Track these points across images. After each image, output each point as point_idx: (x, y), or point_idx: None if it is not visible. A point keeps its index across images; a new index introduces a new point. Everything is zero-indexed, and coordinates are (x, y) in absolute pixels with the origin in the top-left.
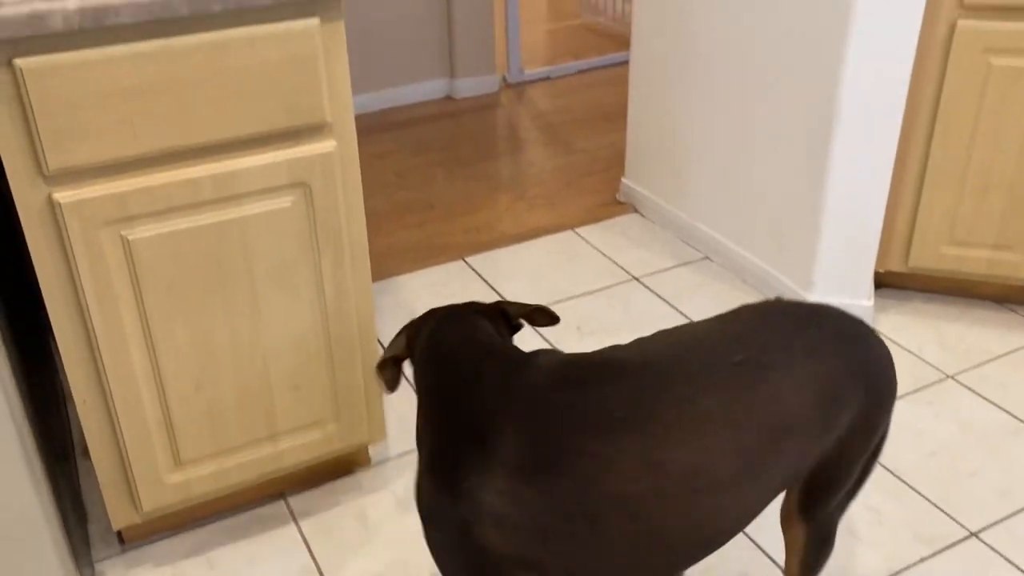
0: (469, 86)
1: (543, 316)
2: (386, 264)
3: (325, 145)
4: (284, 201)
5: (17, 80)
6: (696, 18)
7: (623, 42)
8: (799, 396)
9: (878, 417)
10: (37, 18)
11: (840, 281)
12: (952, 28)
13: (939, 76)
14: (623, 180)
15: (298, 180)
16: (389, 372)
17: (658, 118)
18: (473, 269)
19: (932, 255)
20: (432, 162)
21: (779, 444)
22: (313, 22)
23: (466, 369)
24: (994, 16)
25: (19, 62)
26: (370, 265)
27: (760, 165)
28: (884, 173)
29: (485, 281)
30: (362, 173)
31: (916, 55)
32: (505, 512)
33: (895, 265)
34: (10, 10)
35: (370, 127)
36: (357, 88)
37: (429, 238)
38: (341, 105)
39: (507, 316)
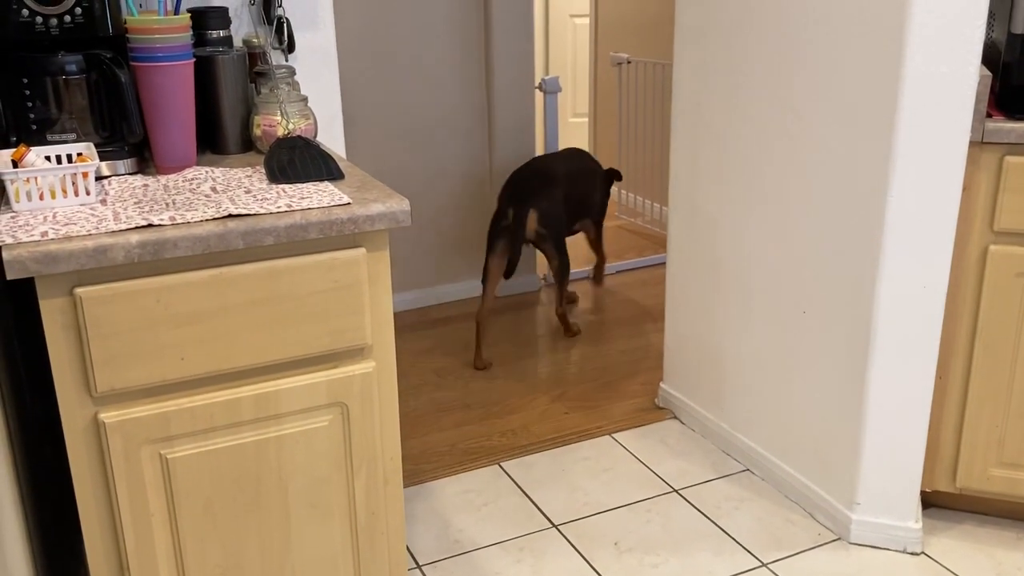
0: (510, 285)
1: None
2: (420, 468)
3: (365, 366)
4: (322, 420)
5: (76, 308)
6: (729, 236)
7: (660, 242)
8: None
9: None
10: (101, 251)
11: (885, 501)
12: (985, 252)
13: (975, 299)
14: (662, 385)
15: (336, 400)
16: None
17: (695, 327)
18: (508, 475)
19: (980, 476)
20: (471, 360)
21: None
22: (360, 252)
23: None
24: None
25: (79, 291)
26: (403, 469)
27: (799, 380)
28: (925, 393)
29: (520, 489)
30: (401, 372)
31: (951, 275)
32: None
33: (943, 485)
34: (77, 244)
35: (413, 324)
36: (401, 286)
37: (465, 440)
38: (382, 327)
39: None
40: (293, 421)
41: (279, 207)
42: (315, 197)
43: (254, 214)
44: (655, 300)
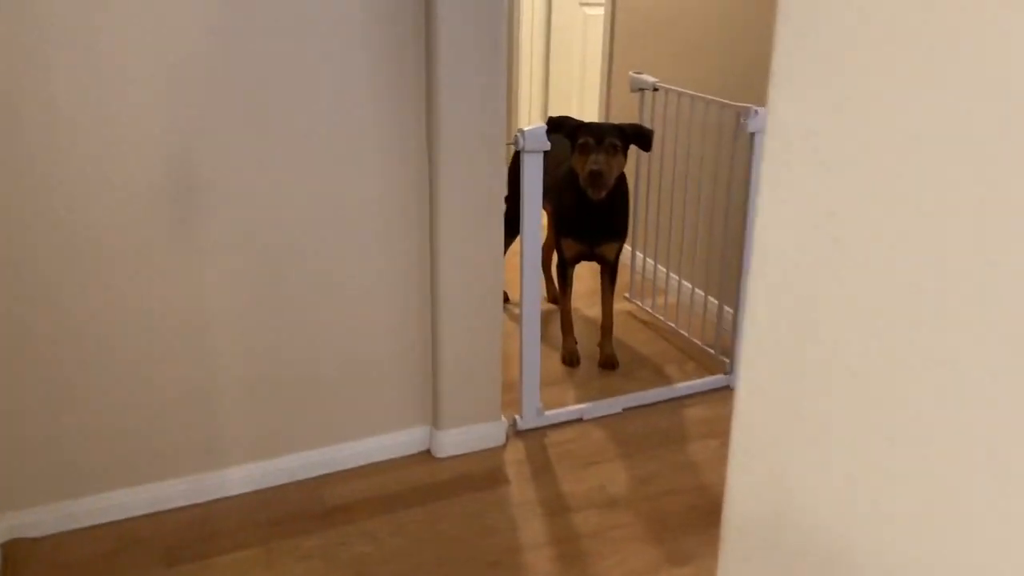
0: (458, 440)
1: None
2: None
3: None
4: None
5: None
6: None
7: (688, 350)
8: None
9: None
10: None
11: None
12: None
13: None
14: None
15: None
16: None
17: None
18: None
19: None
20: None
21: None
22: None
23: None
24: None
25: None
26: None
27: None
28: None
29: None
30: None
31: None
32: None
33: None
34: None
35: (290, 515)
36: (281, 448)
37: None
38: None
39: None
40: None
41: None
42: None
43: None
44: (693, 476)
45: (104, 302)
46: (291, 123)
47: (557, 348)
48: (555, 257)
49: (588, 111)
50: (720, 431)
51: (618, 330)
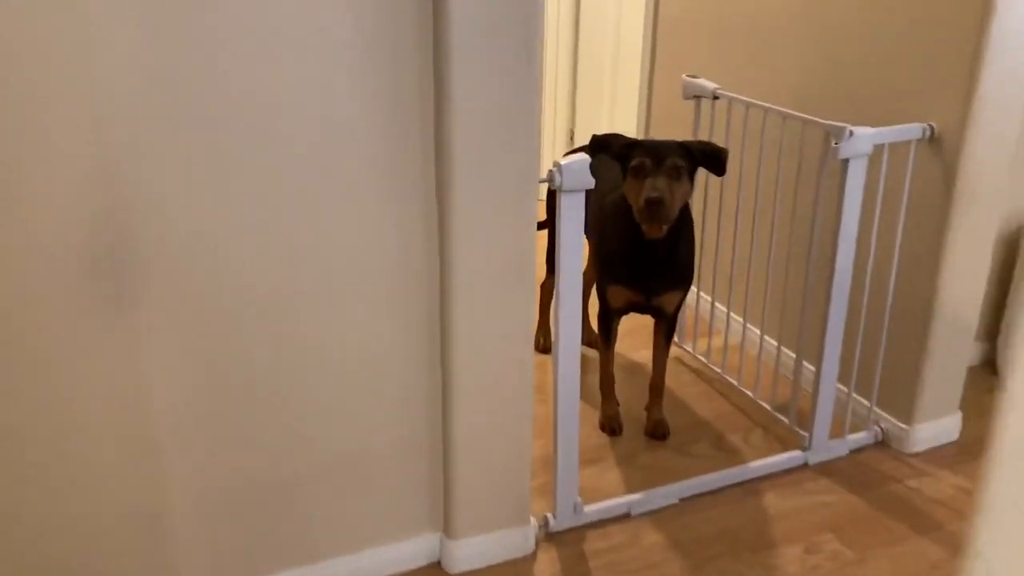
0: (475, 551)
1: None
2: None
3: None
4: None
5: None
6: None
7: (754, 414)
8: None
9: None
10: None
11: None
12: None
13: None
14: None
15: None
16: None
17: None
18: None
19: None
20: None
21: None
22: None
23: None
24: None
25: None
26: None
27: None
28: None
29: None
30: None
31: None
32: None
33: None
34: None
35: None
36: (253, 569)
37: None
38: None
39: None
40: None
41: None
42: None
43: None
44: None
45: (14, 407)
46: (261, 162)
47: (594, 406)
48: (594, 295)
49: (623, 124)
50: (802, 532)
51: (666, 382)
